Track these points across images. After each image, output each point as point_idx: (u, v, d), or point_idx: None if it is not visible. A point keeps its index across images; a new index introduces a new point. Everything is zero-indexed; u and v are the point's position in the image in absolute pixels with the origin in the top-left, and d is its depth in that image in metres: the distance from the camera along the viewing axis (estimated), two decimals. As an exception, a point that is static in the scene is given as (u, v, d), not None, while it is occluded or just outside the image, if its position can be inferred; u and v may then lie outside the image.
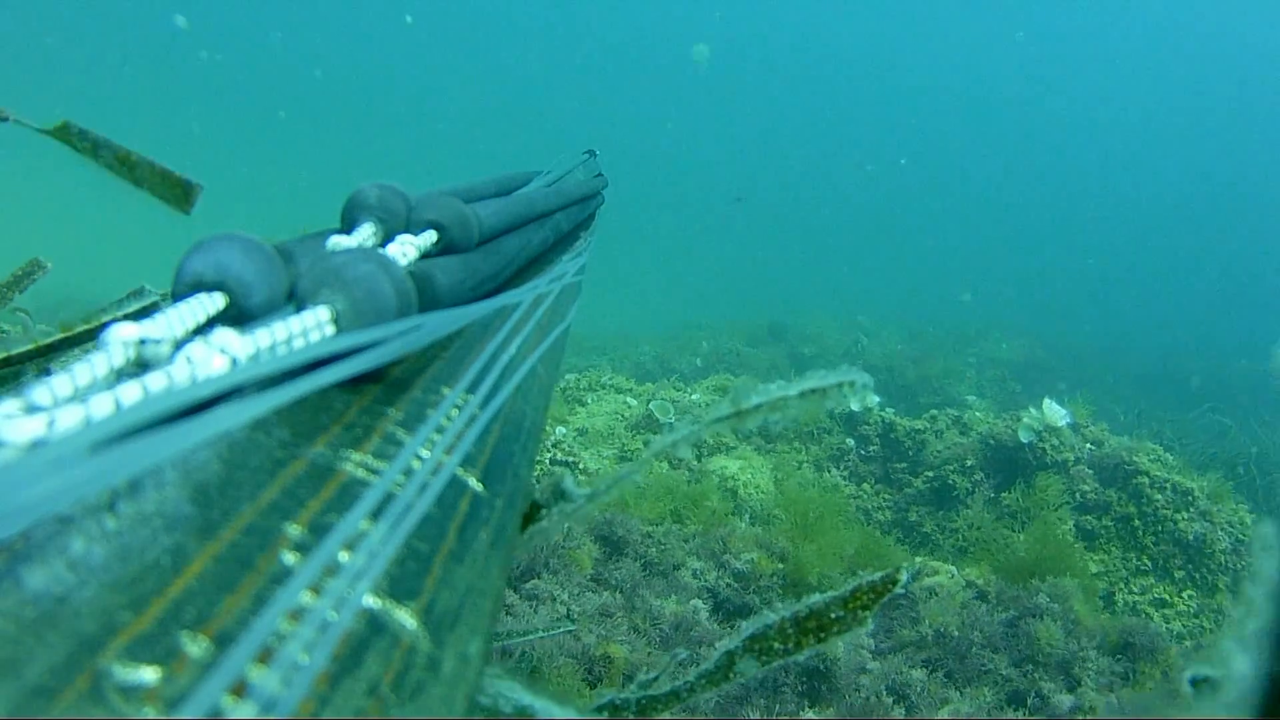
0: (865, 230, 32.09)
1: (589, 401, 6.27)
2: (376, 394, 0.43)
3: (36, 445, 0.27)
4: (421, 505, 0.35)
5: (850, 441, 5.58)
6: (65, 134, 0.61)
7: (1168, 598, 4.59)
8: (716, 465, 5.16)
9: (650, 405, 5.74)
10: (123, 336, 0.36)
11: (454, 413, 0.45)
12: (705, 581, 3.52)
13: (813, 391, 0.73)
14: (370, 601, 0.30)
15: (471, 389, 0.49)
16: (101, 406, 0.29)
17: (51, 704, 0.21)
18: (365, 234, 0.62)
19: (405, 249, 0.59)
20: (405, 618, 0.31)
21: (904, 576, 0.80)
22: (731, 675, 0.80)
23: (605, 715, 0.82)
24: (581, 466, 4.70)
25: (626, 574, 3.40)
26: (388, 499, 0.34)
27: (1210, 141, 34.33)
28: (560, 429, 5.26)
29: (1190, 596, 4.60)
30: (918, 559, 4.06)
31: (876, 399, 5.89)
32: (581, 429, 5.66)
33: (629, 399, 6.24)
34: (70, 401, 0.29)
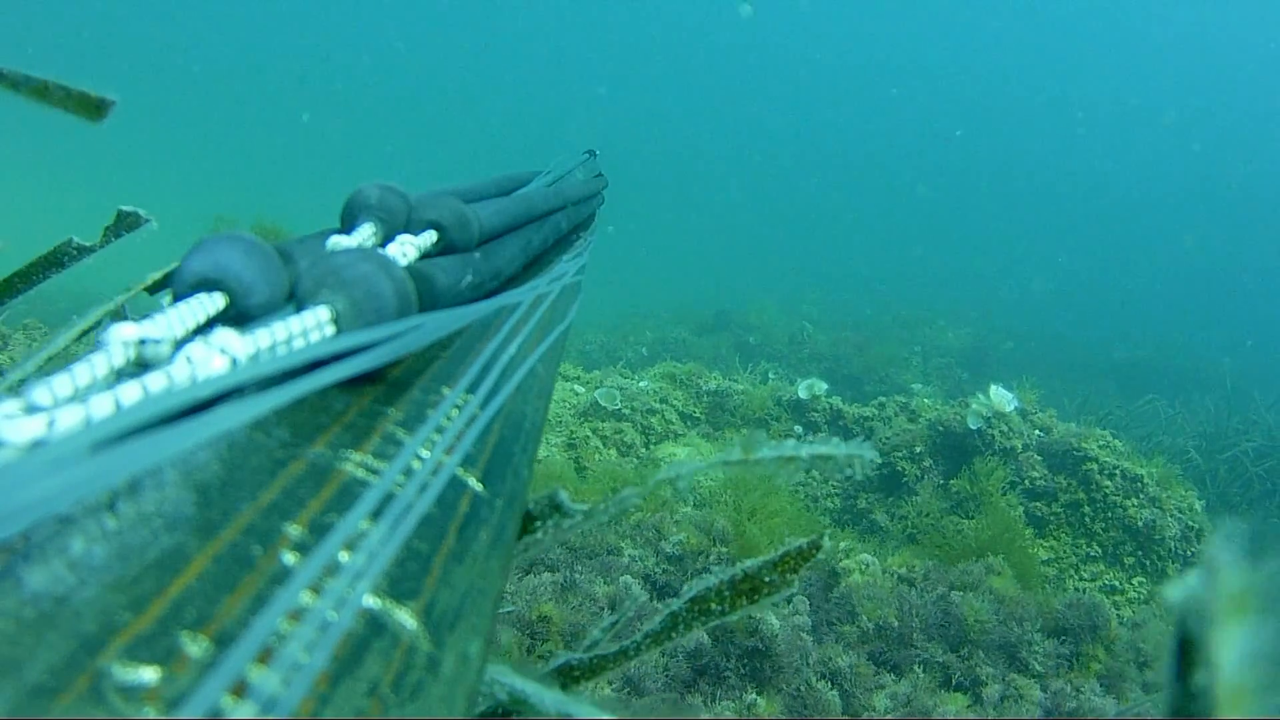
0: (812, 217, 31.91)
1: None
2: (376, 394, 0.43)
3: (36, 445, 0.27)
4: (421, 505, 0.35)
5: (798, 429, 5.59)
6: None
7: (1118, 584, 4.60)
8: (665, 452, 5.17)
9: (596, 393, 5.73)
10: (123, 336, 0.36)
11: (454, 413, 0.45)
12: (645, 567, 3.53)
13: (822, 457, 0.77)
14: (370, 601, 0.30)
15: (471, 389, 0.49)
16: (101, 406, 0.29)
17: (51, 704, 0.21)
18: (365, 234, 0.62)
19: (405, 249, 0.59)
20: (405, 618, 0.31)
21: (826, 543, 0.86)
22: (674, 635, 0.85)
23: (563, 678, 0.85)
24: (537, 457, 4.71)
25: (561, 558, 3.43)
26: (388, 499, 0.34)
27: (1187, 139, 34.32)
28: None
29: (1140, 583, 4.61)
30: (841, 544, 4.05)
31: (824, 386, 5.88)
32: None
33: (576, 386, 6.23)
34: (70, 401, 0.29)
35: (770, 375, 7.82)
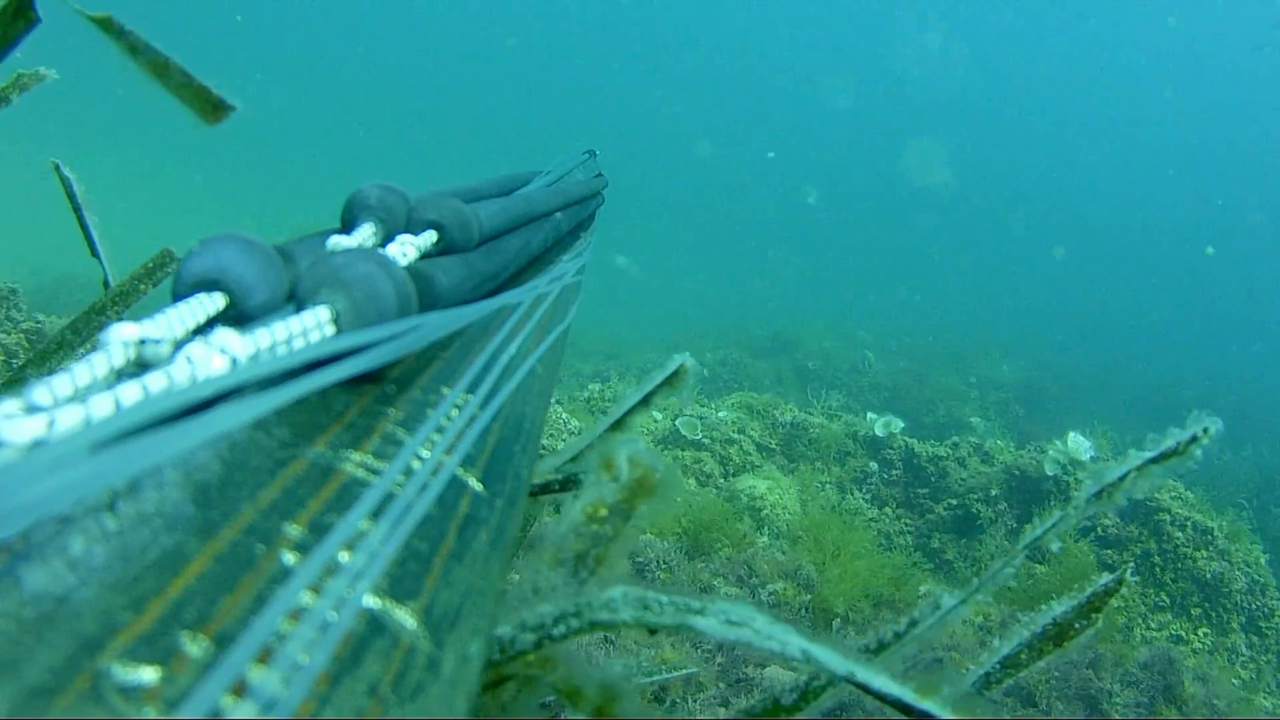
0: (864, 241, 31.79)
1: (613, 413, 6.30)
2: (376, 394, 0.43)
3: (36, 445, 0.27)
4: (421, 505, 0.35)
5: (873, 465, 5.63)
6: (109, 27, 0.63)
7: (1184, 634, 4.65)
8: (745, 484, 5.17)
9: (676, 422, 5.76)
10: (123, 336, 0.36)
11: (454, 413, 0.45)
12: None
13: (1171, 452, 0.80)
14: (370, 601, 0.30)
15: (471, 389, 0.49)
16: (101, 406, 0.29)
17: (51, 704, 0.21)
18: (365, 234, 0.62)
19: (405, 249, 0.59)
20: (405, 618, 0.31)
21: (1130, 576, 0.87)
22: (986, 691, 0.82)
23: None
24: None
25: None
26: (388, 499, 0.34)
27: (1216, 163, 33.98)
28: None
29: (1205, 634, 4.66)
30: (923, 587, 4.07)
31: (901, 424, 5.92)
32: None
33: (655, 413, 6.23)
34: (70, 401, 0.29)
35: (831, 404, 7.87)
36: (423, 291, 0.55)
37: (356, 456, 0.37)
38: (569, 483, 0.92)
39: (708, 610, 0.60)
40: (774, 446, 5.82)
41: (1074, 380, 10.88)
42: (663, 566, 3.62)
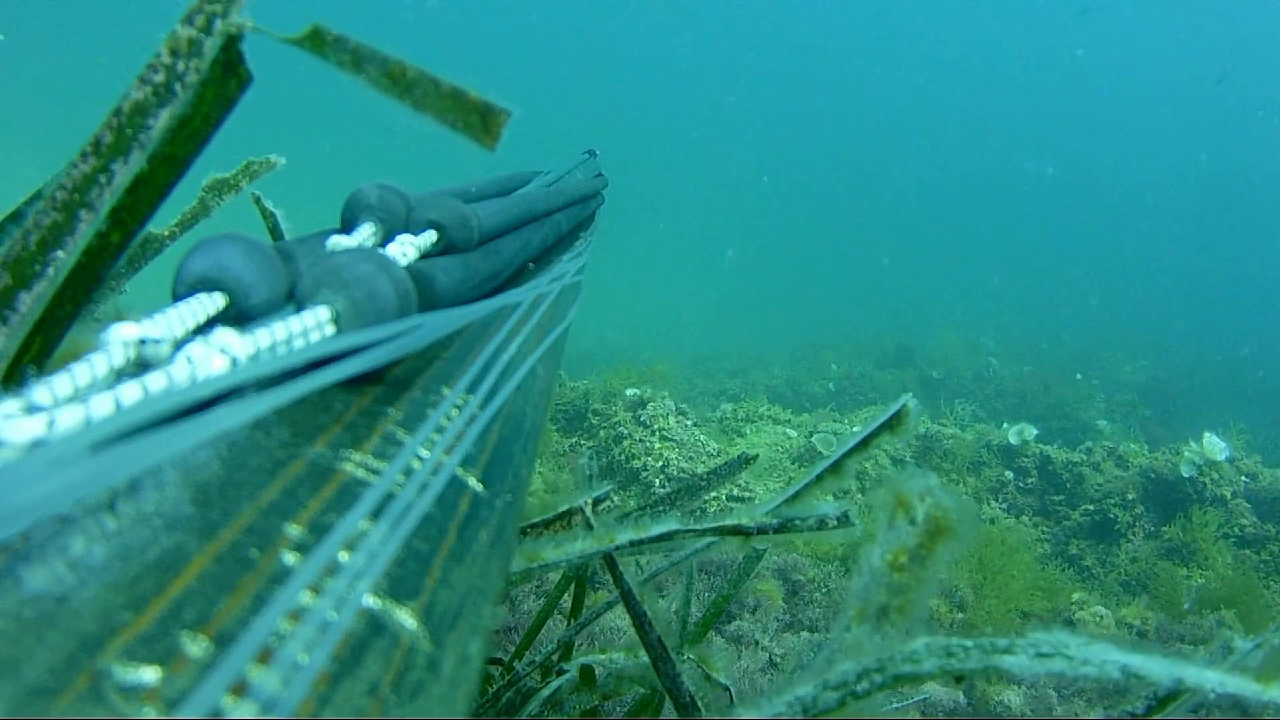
0: (982, 246, 31.29)
1: (748, 432, 6.31)
2: (376, 394, 0.43)
3: (36, 445, 0.27)
4: (421, 505, 0.35)
5: (1009, 474, 5.65)
6: (318, 43, 0.46)
7: None
8: (879, 499, 5.17)
9: (813, 438, 5.75)
10: (123, 336, 0.36)
11: (454, 413, 0.45)
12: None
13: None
14: (370, 601, 0.30)
15: (471, 389, 0.49)
16: (101, 406, 0.29)
17: (51, 704, 0.21)
18: (365, 234, 0.62)
19: (405, 249, 0.59)
20: (405, 618, 0.31)
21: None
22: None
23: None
24: (758, 502, 4.68)
25: (818, 613, 3.43)
26: (388, 499, 0.34)
27: None
28: None
29: None
30: (1074, 595, 4.06)
31: (1034, 431, 5.92)
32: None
33: (788, 430, 6.28)
34: (70, 401, 0.29)
35: (959, 411, 7.88)
36: (423, 291, 0.55)
37: (356, 456, 0.37)
38: (786, 527, 0.88)
39: (1015, 647, 0.57)
40: (908, 459, 5.84)
41: (1200, 379, 10.84)
42: (814, 583, 3.62)
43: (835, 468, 0.96)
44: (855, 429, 5.88)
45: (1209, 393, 10.20)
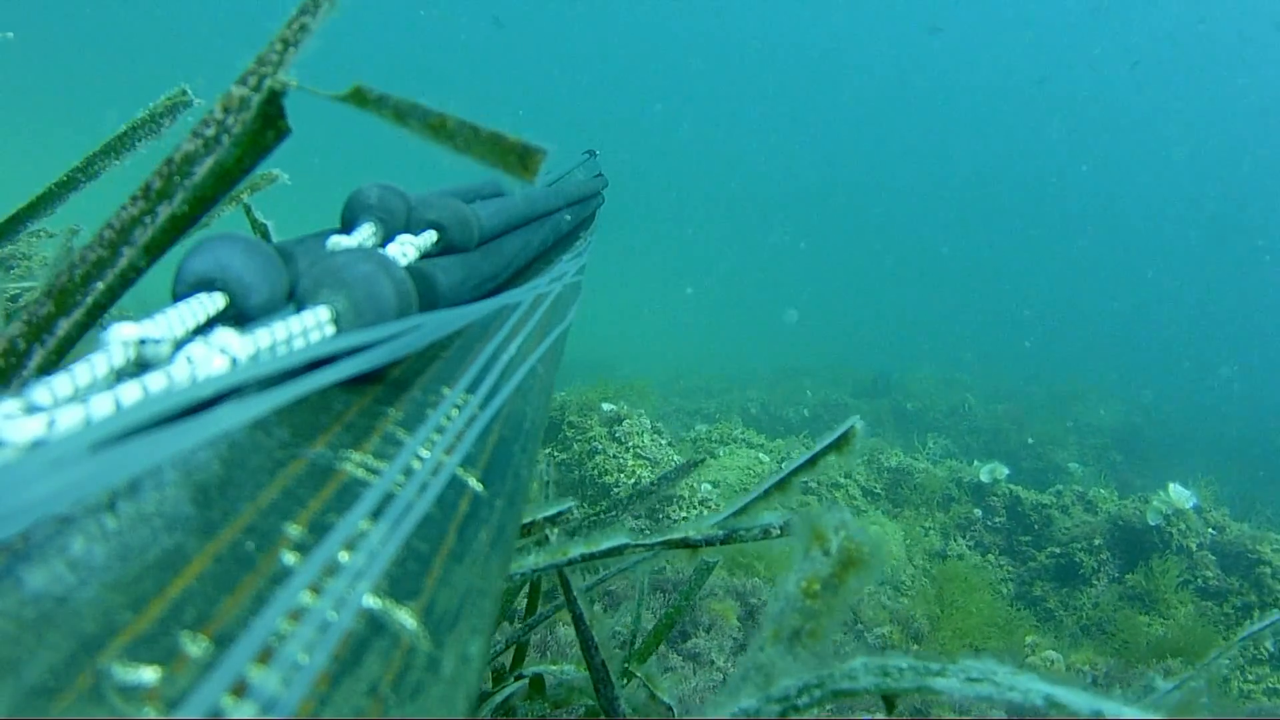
0: (964, 283, 31.40)
1: (721, 454, 6.33)
2: (376, 394, 0.43)
3: (36, 445, 0.27)
4: (421, 505, 0.35)
5: (977, 511, 5.68)
6: (361, 100, 0.51)
7: None
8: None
9: (783, 465, 5.75)
10: (123, 336, 0.36)
11: (454, 413, 0.45)
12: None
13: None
14: (370, 601, 0.30)
15: (471, 389, 0.49)
16: (101, 406, 0.29)
17: (51, 704, 0.21)
18: (365, 234, 0.62)
19: (405, 249, 0.59)
20: (405, 618, 0.31)
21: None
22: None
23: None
24: None
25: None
26: (388, 499, 0.34)
27: None
28: (705, 485, 5.24)
29: None
30: (1029, 638, 4.08)
31: (1006, 470, 5.95)
32: (716, 481, 5.69)
33: (761, 454, 6.30)
34: (70, 401, 0.29)
35: (930, 446, 7.92)
36: (423, 291, 0.55)
37: (356, 456, 0.37)
38: (731, 538, 0.91)
39: (947, 671, 0.61)
40: (879, 491, 5.86)
41: (1173, 427, 10.90)
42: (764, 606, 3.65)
43: (782, 484, 1.00)
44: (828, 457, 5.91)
45: (1182, 442, 10.24)
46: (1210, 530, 5.22)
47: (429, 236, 0.64)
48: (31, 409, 0.29)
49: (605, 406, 5.55)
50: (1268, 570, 4.93)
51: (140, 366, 0.36)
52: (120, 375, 0.34)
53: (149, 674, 0.22)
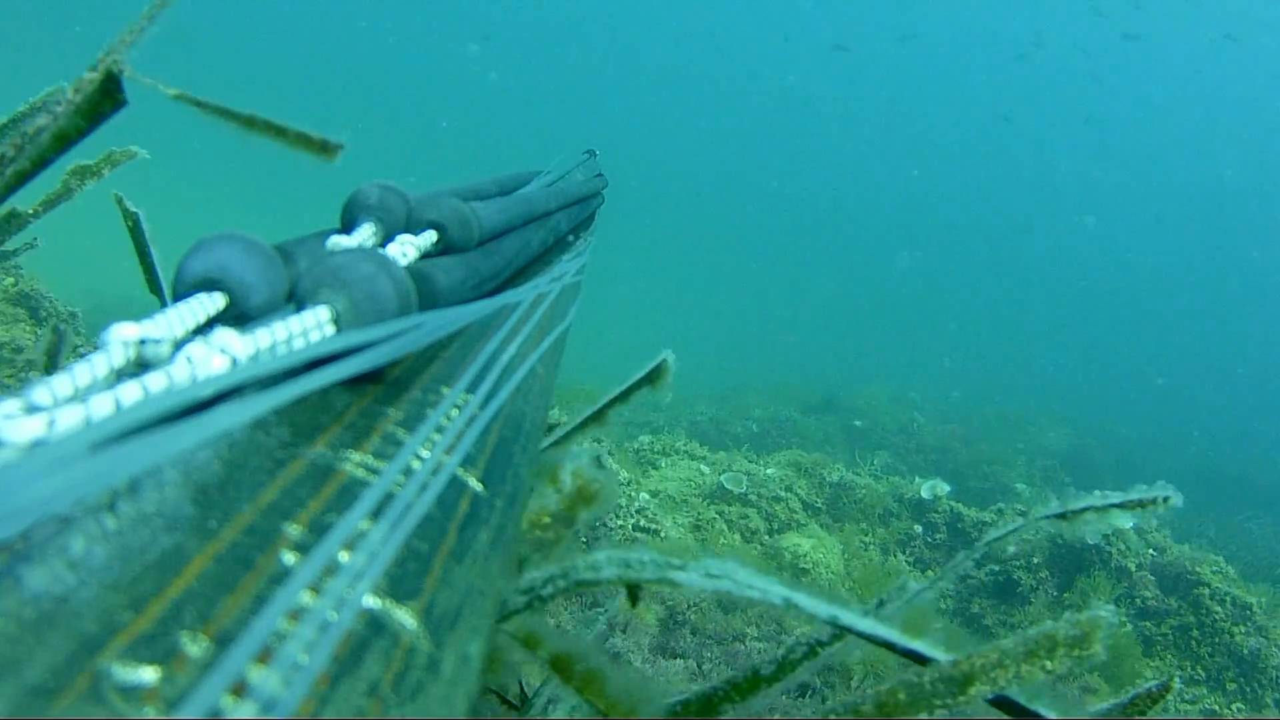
0: (917, 301, 31.33)
1: (662, 465, 6.32)
2: (376, 394, 0.43)
3: (36, 445, 0.27)
4: (421, 505, 0.35)
5: (918, 528, 5.68)
6: (186, 99, 0.67)
7: (1218, 709, 4.71)
8: (789, 542, 5.21)
9: (722, 477, 5.79)
10: (123, 336, 0.36)
11: (454, 413, 0.45)
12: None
13: (1132, 503, 0.88)
14: (370, 601, 0.30)
15: (471, 389, 0.49)
16: (101, 406, 0.29)
17: (51, 704, 0.21)
18: (365, 234, 0.62)
19: (405, 249, 0.59)
20: (405, 618, 0.31)
21: (1176, 684, 0.92)
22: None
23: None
24: (663, 534, 4.72)
25: (690, 645, 3.48)
26: (388, 499, 0.34)
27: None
28: (643, 495, 5.23)
29: (1239, 710, 4.71)
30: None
31: (947, 488, 5.96)
32: (655, 491, 5.70)
33: (702, 466, 6.28)
34: (70, 401, 0.29)
35: (875, 463, 7.92)
36: (423, 291, 0.55)
37: (356, 456, 0.37)
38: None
39: (688, 566, 0.64)
40: (820, 505, 5.86)
41: (1123, 451, 10.91)
42: (694, 609, 3.67)
43: (598, 416, 1.09)
44: (769, 470, 5.91)
45: (1131, 465, 10.27)
46: (1151, 551, 5.25)
47: (429, 236, 0.64)
48: (31, 409, 0.29)
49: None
50: (1206, 591, 4.97)
51: (140, 366, 0.36)
52: (120, 375, 0.34)
53: (149, 674, 0.22)
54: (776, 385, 11.73)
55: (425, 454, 0.40)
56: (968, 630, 5.00)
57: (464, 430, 0.44)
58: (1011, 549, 5.20)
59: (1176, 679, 0.89)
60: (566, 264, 1.00)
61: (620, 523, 4.56)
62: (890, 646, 0.65)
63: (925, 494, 5.82)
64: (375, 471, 0.36)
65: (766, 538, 5.27)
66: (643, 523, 4.73)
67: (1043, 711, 0.66)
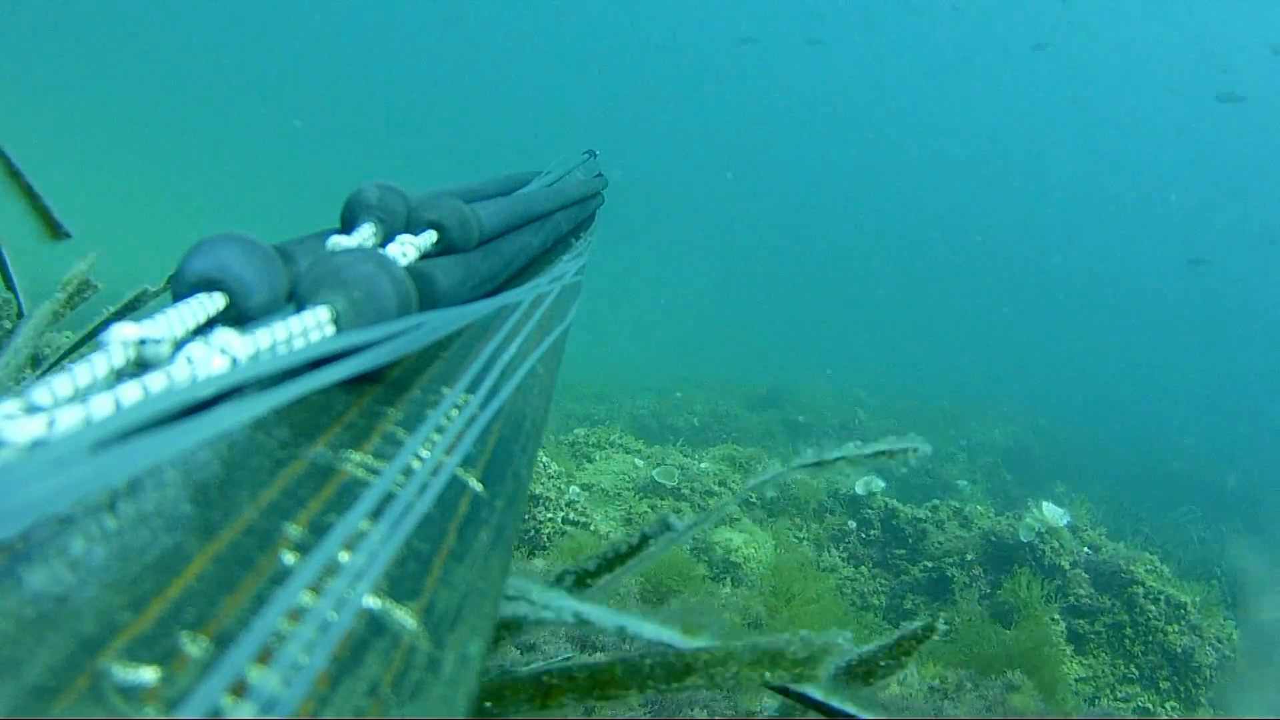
0: (865, 300, 31.22)
1: (597, 458, 6.28)
2: (376, 394, 0.43)
3: (37, 445, 0.27)
4: (421, 505, 0.35)
5: (852, 524, 5.67)
6: None
7: (1151, 707, 4.70)
8: (721, 537, 5.21)
9: (654, 471, 5.76)
10: (123, 336, 0.36)
11: (454, 413, 0.45)
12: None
13: (883, 453, 0.90)
14: (370, 602, 0.30)
15: (471, 389, 0.49)
16: (101, 406, 0.29)
17: (51, 704, 0.21)
18: (365, 234, 0.62)
19: (405, 249, 0.59)
20: (405, 618, 0.31)
21: (941, 626, 0.95)
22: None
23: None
24: (593, 528, 4.69)
25: (610, 641, 3.49)
26: (388, 499, 0.34)
27: (1220, 234, 33.07)
28: (574, 489, 5.20)
29: (1173, 708, 4.71)
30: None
31: (881, 484, 5.95)
32: (588, 484, 5.67)
33: (637, 460, 6.24)
34: (70, 401, 0.29)
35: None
36: (423, 291, 0.55)
37: (356, 456, 0.37)
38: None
39: None
40: (754, 500, 5.83)
41: (1066, 448, 10.87)
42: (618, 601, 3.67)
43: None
44: (703, 464, 5.93)
45: (1074, 462, 10.24)
46: (1085, 549, 5.25)
47: (429, 236, 0.64)
48: (31, 409, 0.29)
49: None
50: (1140, 590, 4.97)
51: (140, 366, 0.36)
52: (120, 375, 0.34)
53: (149, 674, 0.22)
54: (723, 380, 11.67)
55: (425, 454, 0.40)
56: (895, 625, 4.99)
57: (464, 430, 0.44)
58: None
59: (941, 620, 0.93)
60: (566, 264, 1.00)
61: (550, 515, 4.53)
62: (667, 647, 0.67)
63: (860, 490, 5.81)
64: (375, 472, 0.36)
65: (699, 532, 5.26)
66: (573, 516, 4.71)
67: (811, 694, 0.70)
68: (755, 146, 38.10)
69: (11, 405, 0.28)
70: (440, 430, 0.42)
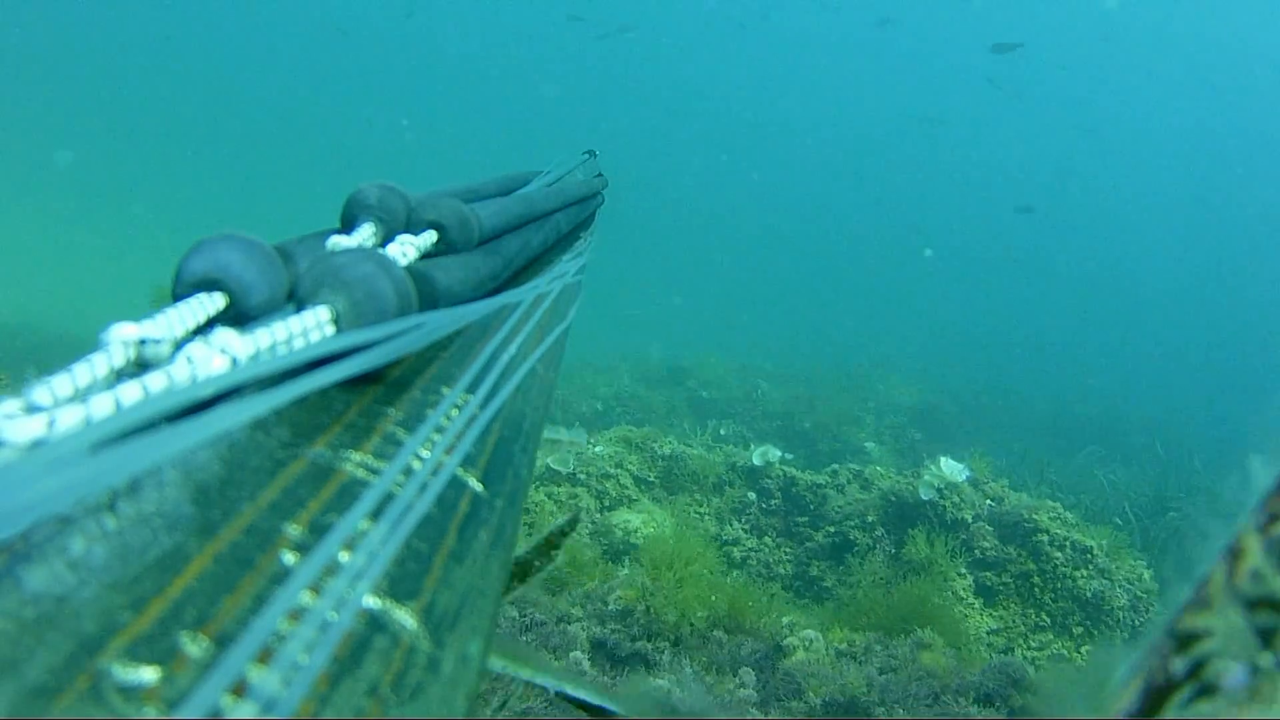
0: (764, 269, 30.94)
1: None
2: (376, 394, 0.43)
3: (37, 445, 0.27)
4: (421, 505, 0.35)
5: (752, 495, 5.62)
6: None
7: (1066, 653, 4.68)
8: (620, 519, 5.15)
9: (547, 460, 5.64)
10: (123, 336, 0.36)
11: (454, 413, 0.45)
12: (594, 633, 3.63)
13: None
14: (370, 601, 0.30)
15: (471, 389, 0.49)
16: (101, 406, 0.29)
17: (51, 704, 0.21)
18: (365, 234, 0.62)
19: (405, 249, 0.59)
20: (405, 618, 0.31)
21: (583, 517, 1.01)
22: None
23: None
24: None
25: (506, 630, 3.52)
26: (388, 499, 0.34)
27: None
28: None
29: (1088, 652, 4.68)
30: (786, 618, 4.08)
31: (779, 453, 5.91)
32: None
33: None
34: (70, 401, 0.29)
35: (722, 432, 7.87)
36: (423, 291, 0.55)
37: (356, 456, 0.37)
38: None
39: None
40: (653, 479, 5.77)
41: (973, 405, 10.83)
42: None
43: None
44: (597, 448, 5.88)
45: (981, 418, 10.18)
46: (989, 502, 5.22)
47: (429, 236, 0.65)
48: (31, 409, 0.29)
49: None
50: (1045, 538, 4.94)
51: (140, 366, 0.36)
52: (120, 375, 0.34)
53: (149, 674, 0.22)
54: (632, 361, 11.42)
55: (425, 454, 0.40)
56: (810, 592, 5.02)
57: (464, 430, 0.44)
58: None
59: (583, 512, 0.97)
60: (566, 264, 1.00)
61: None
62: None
63: (757, 460, 5.76)
64: (375, 471, 0.36)
65: (598, 516, 5.19)
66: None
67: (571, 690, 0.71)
68: (674, 129, 37.65)
69: (11, 405, 0.28)
70: (440, 430, 0.42)
